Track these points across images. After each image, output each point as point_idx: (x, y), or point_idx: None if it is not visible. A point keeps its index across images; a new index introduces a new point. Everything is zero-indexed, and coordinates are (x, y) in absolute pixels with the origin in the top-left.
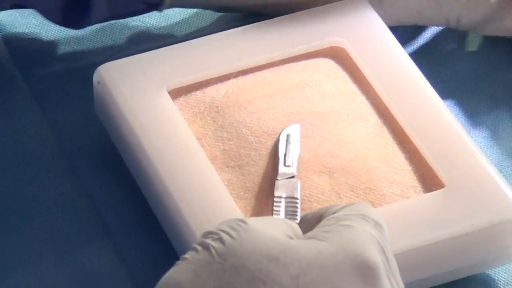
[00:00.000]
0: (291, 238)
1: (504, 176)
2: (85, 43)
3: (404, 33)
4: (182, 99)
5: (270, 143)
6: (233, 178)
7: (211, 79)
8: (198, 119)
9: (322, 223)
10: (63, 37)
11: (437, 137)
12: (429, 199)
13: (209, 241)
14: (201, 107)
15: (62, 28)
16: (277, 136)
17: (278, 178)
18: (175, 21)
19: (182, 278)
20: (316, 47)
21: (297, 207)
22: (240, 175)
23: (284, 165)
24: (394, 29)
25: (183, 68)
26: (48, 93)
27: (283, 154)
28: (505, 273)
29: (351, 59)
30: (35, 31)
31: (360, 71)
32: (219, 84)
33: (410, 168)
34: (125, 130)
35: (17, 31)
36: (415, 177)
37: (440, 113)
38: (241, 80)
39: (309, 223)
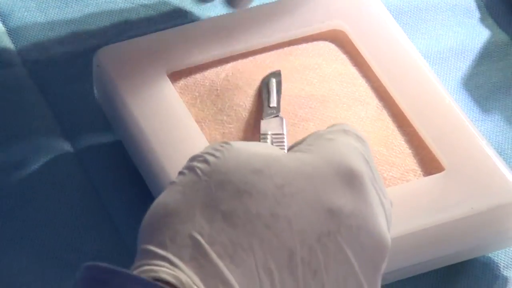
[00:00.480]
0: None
1: (504, 159)
2: (85, 26)
3: (405, 16)
4: (181, 82)
5: None
6: None
7: (211, 62)
8: (198, 102)
9: (305, 139)
10: (63, 20)
11: (437, 120)
12: (429, 182)
13: (194, 163)
14: (201, 90)
15: (62, 11)
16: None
17: (262, 118)
18: (175, 4)
19: (170, 199)
20: (316, 30)
21: (283, 142)
22: None
23: (269, 106)
24: (395, 12)
25: (182, 51)
26: (48, 76)
27: (266, 98)
28: (505, 256)
29: (351, 42)
30: (35, 14)
31: (360, 54)
32: (219, 67)
33: (410, 151)
34: (125, 113)
35: (16, 14)
36: (415, 161)
37: (440, 96)
38: (241, 63)
39: None
